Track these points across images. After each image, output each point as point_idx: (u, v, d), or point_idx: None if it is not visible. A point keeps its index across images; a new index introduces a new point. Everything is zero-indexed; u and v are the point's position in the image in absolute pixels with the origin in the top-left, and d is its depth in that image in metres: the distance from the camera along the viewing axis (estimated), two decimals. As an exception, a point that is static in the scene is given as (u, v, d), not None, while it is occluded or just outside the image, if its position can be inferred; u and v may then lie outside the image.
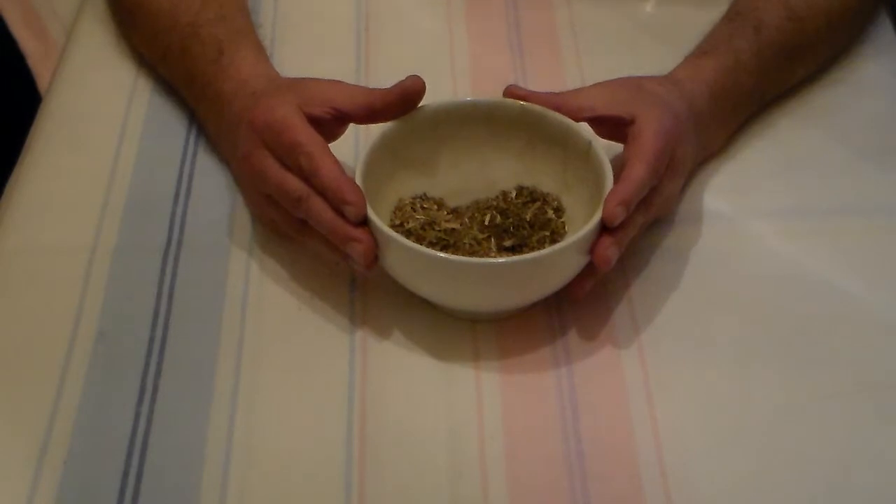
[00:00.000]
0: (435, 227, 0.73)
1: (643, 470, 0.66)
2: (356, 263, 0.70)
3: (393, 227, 0.73)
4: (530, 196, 0.76)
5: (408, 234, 0.72)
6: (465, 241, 0.72)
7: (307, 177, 0.70)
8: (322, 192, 0.69)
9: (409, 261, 0.68)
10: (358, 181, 0.70)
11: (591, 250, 0.69)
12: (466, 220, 0.74)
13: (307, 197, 0.70)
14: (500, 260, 0.67)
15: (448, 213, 0.75)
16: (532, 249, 0.72)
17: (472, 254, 0.72)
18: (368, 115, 0.74)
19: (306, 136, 0.71)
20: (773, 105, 0.86)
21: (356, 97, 0.73)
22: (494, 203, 0.75)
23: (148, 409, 0.69)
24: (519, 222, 0.74)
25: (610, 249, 0.68)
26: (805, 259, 0.77)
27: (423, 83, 0.72)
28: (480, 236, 0.73)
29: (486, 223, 0.74)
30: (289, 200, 0.71)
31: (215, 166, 0.83)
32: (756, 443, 0.68)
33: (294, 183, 0.71)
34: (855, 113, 0.87)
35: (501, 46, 0.93)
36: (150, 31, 0.87)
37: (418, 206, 0.75)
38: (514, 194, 0.76)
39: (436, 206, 0.75)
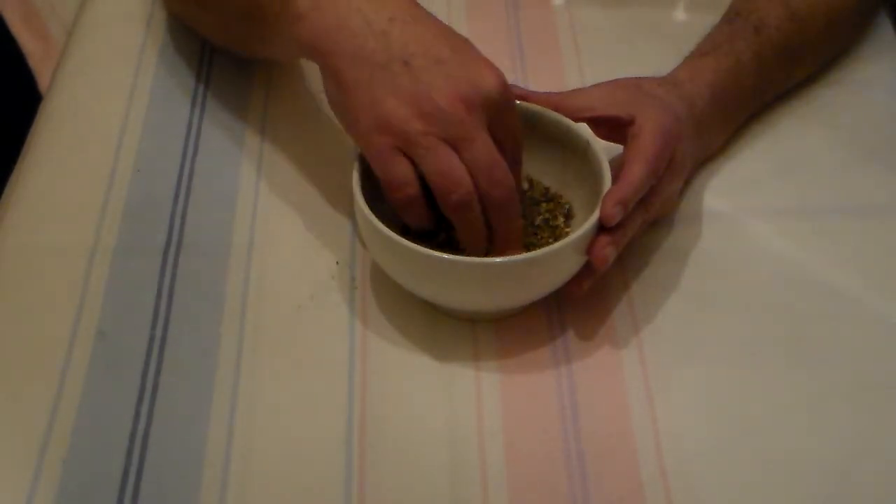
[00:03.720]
0: None
1: (643, 470, 0.66)
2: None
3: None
4: (544, 195, 0.76)
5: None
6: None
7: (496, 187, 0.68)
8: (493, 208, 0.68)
9: (408, 261, 0.68)
10: (357, 178, 0.70)
11: (588, 249, 0.69)
12: None
13: (513, 191, 0.68)
14: (498, 260, 0.67)
15: None
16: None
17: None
18: None
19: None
20: (773, 105, 0.86)
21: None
22: None
23: (148, 409, 0.69)
24: (528, 223, 0.74)
25: (607, 249, 0.68)
26: (805, 259, 0.77)
27: None
28: None
29: None
30: (492, 183, 0.67)
31: (215, 166, 0.83)
32: (756, 442, 0.68)
33: (507, 171, 0.68)
34: (855, 113, 0.87)
35: (501, 46, 0.93)
36: None
37: None
38: (526, 186, 0.76)
39: None
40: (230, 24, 0.82)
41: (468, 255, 0.69)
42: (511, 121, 0.69)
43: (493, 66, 0.69)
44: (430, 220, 0.70)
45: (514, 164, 0.70)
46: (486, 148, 0.67)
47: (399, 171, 0.68)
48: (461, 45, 0.70)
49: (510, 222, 0.69)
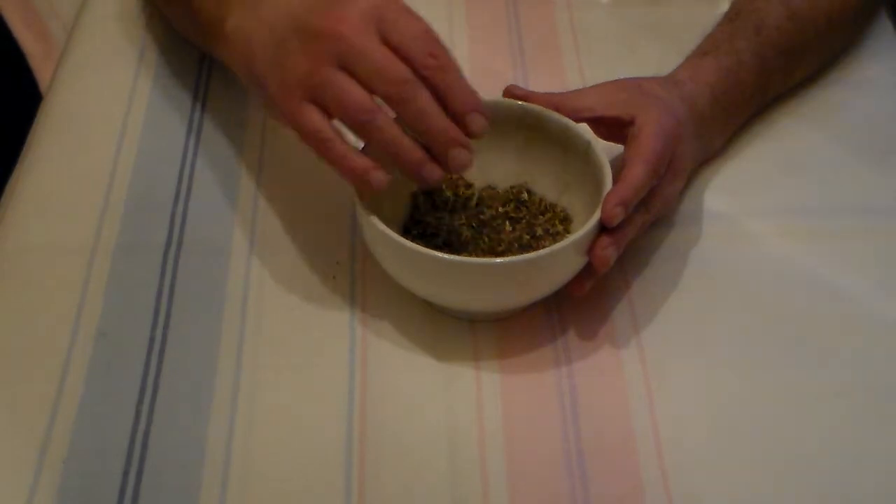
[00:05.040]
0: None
1: (643, 470, 0.66)
2: (434, 172, 0.66)
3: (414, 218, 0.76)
4: (539, 207, 0.76)
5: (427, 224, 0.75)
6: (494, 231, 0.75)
7: (424, 67, 0.64)
8: (441, 90, 0.65)
9: (408, 261, 0.68)
10: None
11: (589, 250, 0.69)
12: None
13: (414, 82, 0.64)
14: (498, 260, 0.67)
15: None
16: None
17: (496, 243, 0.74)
18: None
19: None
20: (774, 105, 0.86)
21: None
22: (512, 198, 0.77)
23: (148, 409, 0.69)
24: (531, 233, 0.75)
25: (608, 249, 0.68)
26: (805, 259, 0.77)
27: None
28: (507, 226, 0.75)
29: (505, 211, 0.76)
30: (387, 81, 0.64)
31: (215, 166, 0.83)
32: (756, 443, 0.68)
33: (401, 63, 0.64)
34: (855, 113, 0.87)
35: (501, 46, 0.93)
36: None
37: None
38: (525, 197, 0.76)
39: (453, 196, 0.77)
40: (190, 26, 0.84)
41: (410, 176, 0.66)
42: (406, 25, 0.65)
43: None
44: (365, 160, 0.66)
45: (440, 69, 0.65)
46: (376, 55, 0.64)
47: (305, 121, 0.65)
48: None
49: (425, 121, 0.65)
